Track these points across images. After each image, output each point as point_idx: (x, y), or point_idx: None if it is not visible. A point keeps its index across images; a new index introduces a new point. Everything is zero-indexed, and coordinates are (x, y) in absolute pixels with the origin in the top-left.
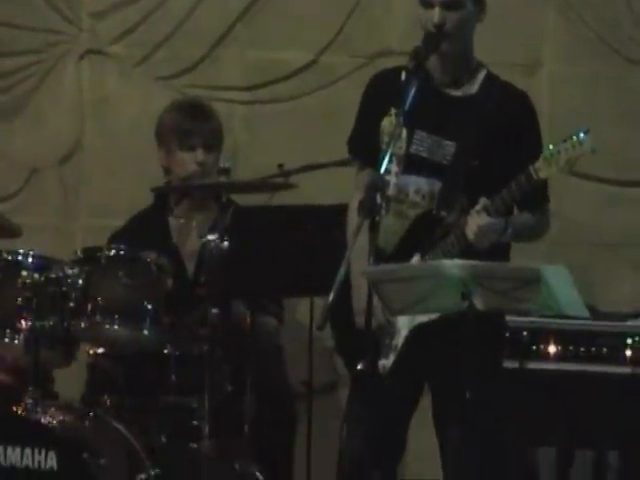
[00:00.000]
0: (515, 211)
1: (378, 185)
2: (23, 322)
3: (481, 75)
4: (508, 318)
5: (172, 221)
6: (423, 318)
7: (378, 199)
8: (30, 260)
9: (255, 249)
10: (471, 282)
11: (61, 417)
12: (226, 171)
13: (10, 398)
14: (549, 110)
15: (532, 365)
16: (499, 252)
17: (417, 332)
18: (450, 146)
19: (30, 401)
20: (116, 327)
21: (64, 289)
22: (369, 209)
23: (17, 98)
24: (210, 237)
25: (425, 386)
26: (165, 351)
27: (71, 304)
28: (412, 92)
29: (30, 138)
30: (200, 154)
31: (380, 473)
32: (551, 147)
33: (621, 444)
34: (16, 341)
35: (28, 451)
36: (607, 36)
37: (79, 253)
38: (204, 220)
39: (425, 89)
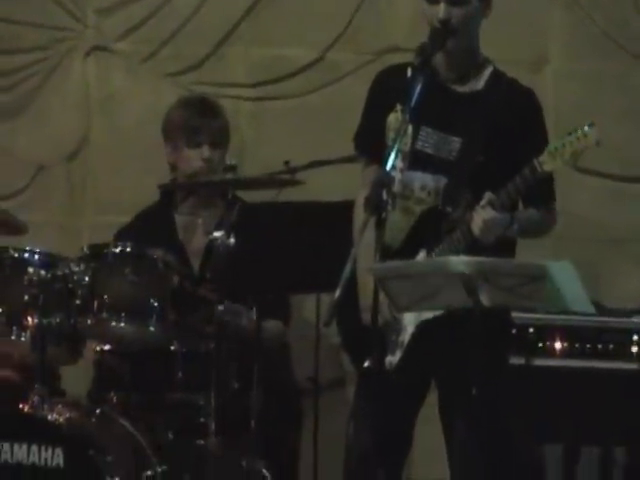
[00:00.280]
0: (520, 207)
1: (384, 181)
2: (30, 319)
3: (487, 71)
4: (514, 315)
5: (178, 218)
6: (429, 314)
7: (384, 195)
8: (36, 257)
9: (261, 246)
10: (477, 278)
11: (68, 414)
12: (232, 168)
13: (17, 395)
14: (554, 107)
15: (538, 362)
16: (505, 248)
17: (423, 328)
18: (456, 142)
19: (37, 398)
20: (122, 324)
21: (70, 286)
22: (375, 206)
23: (24, 95)
24: (216, 234)
25: (432, 382)
26: (172, 348)
27: (77, 301)
28: (418, 88)
29: (36, 135)
30: (206, 151)
31: (386, 469)
32: (556, 140)
33: (627, 440)
34: (23, 338)
35: (35, 448)
36: (613, 32)
37: (85, 250)
38: (210, 217)
39: (431, 85)
